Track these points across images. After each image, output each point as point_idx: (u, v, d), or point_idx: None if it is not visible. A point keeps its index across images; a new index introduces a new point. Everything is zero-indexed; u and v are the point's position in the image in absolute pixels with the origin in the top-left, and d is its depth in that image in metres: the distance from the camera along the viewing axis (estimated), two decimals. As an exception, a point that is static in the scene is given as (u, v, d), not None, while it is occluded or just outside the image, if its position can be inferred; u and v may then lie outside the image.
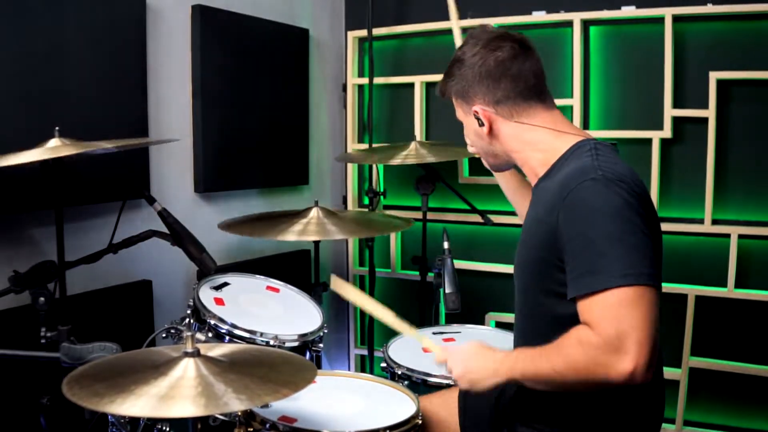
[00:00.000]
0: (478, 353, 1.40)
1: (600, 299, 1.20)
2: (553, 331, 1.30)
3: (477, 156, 1.64)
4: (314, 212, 2.41)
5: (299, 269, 3.10)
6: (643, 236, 1.22)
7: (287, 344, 1.93)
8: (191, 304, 1.97)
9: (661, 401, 1.46)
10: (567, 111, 2.81)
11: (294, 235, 2.28)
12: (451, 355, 1.45)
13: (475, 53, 1.45)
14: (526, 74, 1.44)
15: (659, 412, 1.45)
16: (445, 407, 1.72)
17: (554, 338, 1.28)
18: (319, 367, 2.13)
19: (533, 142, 1.46)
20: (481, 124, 1.48)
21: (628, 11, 2.73)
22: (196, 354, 1.26)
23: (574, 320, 1.27)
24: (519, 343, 1.53)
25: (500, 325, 2.95)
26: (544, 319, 1.39)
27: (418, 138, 2.95)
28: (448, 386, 1.88)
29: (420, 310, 2.91)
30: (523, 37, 1.48)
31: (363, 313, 3.47)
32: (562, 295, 1.29)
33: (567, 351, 1.23)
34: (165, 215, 2.00)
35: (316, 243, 2.57)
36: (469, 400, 1.69)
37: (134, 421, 1.75)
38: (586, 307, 1.22)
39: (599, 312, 1.20)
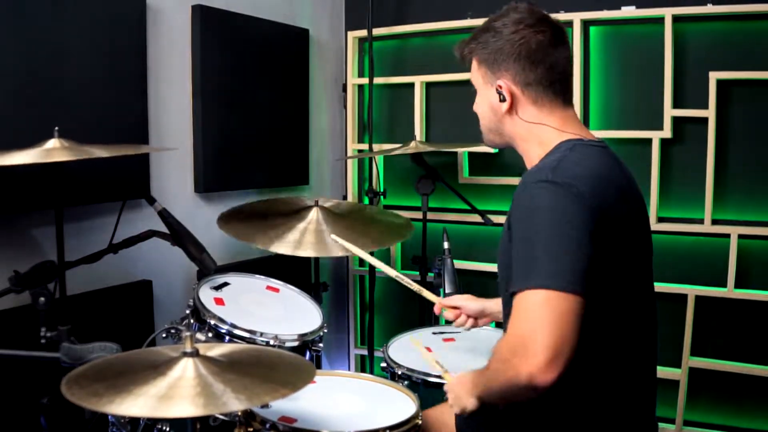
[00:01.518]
0: (461, 380, 1.43)
1: (520, 299, 1.21)
2: None
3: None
4: (313, 214, 2.40)
5: (299, 269, 3.09)
6: (577, 246, 1.21)
7: (287, 344, 1.93)
8: (191, 304, 1.97)
9: (652, 405, 1.45)
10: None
11: (289, 247, 2.27)
12: (450, 386, 1.47)
13: (517, 30, 1.42)
14: (561, 65, 1.43)
15: (651, 417, 1.45)
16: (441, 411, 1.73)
17: None
18: (319, 367, 2.14)
19: (539, 135, 1.45)
20: (502, 100, 1.45)
21: (628, 11, 2.73)
22: (195, 354, 1.26)
23: None
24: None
25: (500, 325, 2.95)
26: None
27: (418, 138, 2.95)
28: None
29: (420, 310, 2.91)
30: (562, 26, 1.47)
31: (363, 313, 3.48)
32: None
33: (491, 365, 1.28)
34: (165, 215, 2.00)
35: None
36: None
37: (134, 421, 1.75)
38: (513, 306, 1.23)
39: (516, 312, 1.21)
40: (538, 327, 1.16)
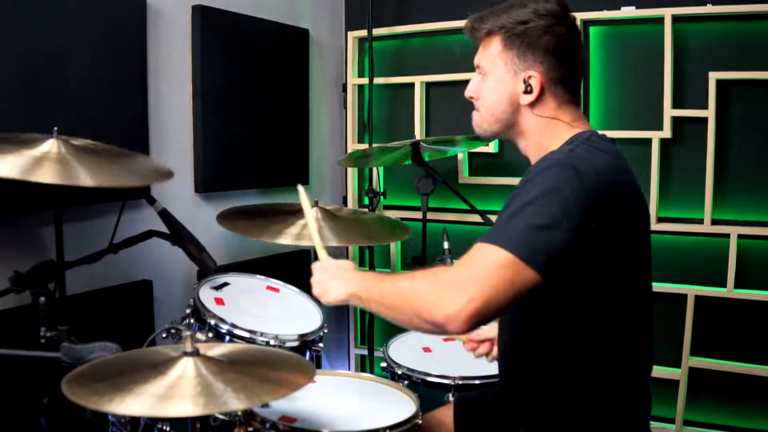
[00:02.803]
0: (341, 268, 1.45)
1: (485, 249, 1.20)
2: (530, 316, 1.36)
3: (471, 99, 1.51)
4: (313, 213, 2.39)
5: (299, 269, 3.08)
6: (558, 228, 1.19)
7: (287, 344, 1.93)
8: (191, 304, 1.97)
9: (648, 400, 1.45)
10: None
11: (290, 238, 2.21)
12: (320, 264, 1.50)
13: (557, 23, 1.37)
14: (582, 64, 1.44)
15: (646, 412, 1.45)
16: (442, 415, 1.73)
17: (535, 321, 1.35)
18: (319, 367, 2.14)
19: (551, 130, 1.43)
20: (528, 92, 1.39)
21: (628, 11, 2.73)
22: (195, 353, 1.26)
23: (550, 303, 1.31)
24: (505, 331, 1.53)
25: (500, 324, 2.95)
26: (521, 306, 1.37)
27: (418, 137, 2.95)
28: (447, 386, 1.89)
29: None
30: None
31: (363, 313, 3.48)
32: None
33: (418, 274, 1.24)
34: (165, 215, 2.00)
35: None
36: (464, 407, 1.70)
37: (134, 420, 1.75)
38: (473, 249, 1.23)
39: (474, 255, 1.21)
40: (485, 279, 1.16)
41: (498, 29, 1.40)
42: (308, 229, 1.81)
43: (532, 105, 1.40)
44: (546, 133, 1.44)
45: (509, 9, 1.40)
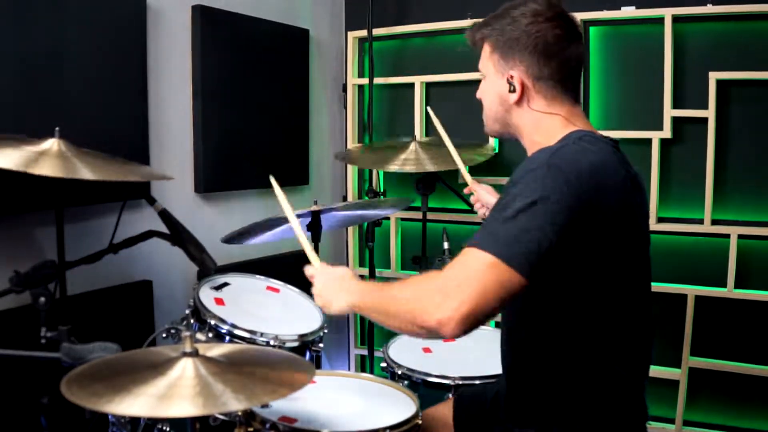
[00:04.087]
0: (341, 278, 1.48)
1: (472, 252, 1.23)
2: (525, 313, 1.37)
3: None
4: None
5: (299, 269, 3.09)
6: (542, 230, 1.21)
7: (287, 344, 1.93)
8: (191, 304, 1.97)
9: (642, 401, 1.45)
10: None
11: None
12: (318, 273, 1.54)
13: (535, 21, 1.40)
14: (573, 61, 1.43)
15: (643, 413, 1.45)
16: (441, 412, 1.73)
17: (531, 323, 1.37)
18: (319, 367, 2.14)
19: (546, 128, 1.44)
20: (512, 91, 1.44)
21: (628, 11, 2.73)
22: (195, 354, 1.26)
23: (545, 304, 1.32)
24: (503, 332, 1.53)
25: (500, 324, 2.95)
26: (516, 304, 1.38)
27: (417, 138, 2.95)
28: (447, 386, 1.89)
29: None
30: (577, 22, 1.45)
31: (363, 313, 3.48)
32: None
33: (411, 281, 1.30)
34: (165, 215, 2.00)
35: (316, 243, 2.56)
36: (463, 402, 1.70)
37: (134, 421, 1.75)
38: (461, 253, 1.26)
39: (461, 259, 1.24)
40: (473, 283, 1.19)
41: (487, 35, 1.48)
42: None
43: (519, 103, 1.45)
44: (540, 131, 1.45)
45: (498, 15, 1.47)
